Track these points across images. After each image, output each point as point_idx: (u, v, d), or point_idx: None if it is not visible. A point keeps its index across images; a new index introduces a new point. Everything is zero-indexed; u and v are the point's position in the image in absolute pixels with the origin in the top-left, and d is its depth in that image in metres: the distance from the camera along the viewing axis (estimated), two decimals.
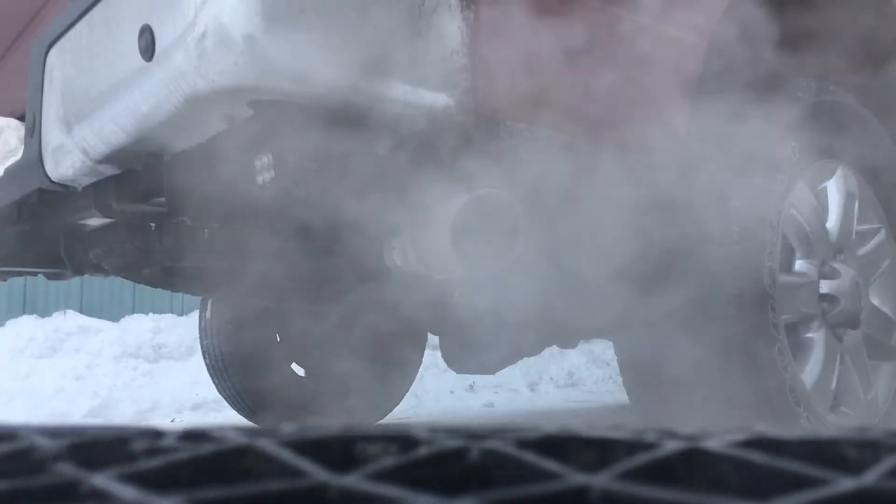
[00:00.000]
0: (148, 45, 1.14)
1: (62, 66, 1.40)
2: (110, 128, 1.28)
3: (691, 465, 0.30)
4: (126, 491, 0.26)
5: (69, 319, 5.22)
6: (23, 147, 1.58)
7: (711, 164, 1.63)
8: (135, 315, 5.60)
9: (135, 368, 4.87)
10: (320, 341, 3.03)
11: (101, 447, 0.31)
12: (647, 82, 1.48)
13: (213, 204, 1.52)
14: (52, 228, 1.89)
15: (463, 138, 1.22)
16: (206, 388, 3.62)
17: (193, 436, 0.33)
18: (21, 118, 1.68)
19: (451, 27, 1.18)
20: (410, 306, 1.91)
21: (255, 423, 3.00)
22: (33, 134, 1.46)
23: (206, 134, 1.25)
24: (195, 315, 3.62)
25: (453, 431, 0.33)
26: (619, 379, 1.80)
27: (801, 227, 1.80)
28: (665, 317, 1.62)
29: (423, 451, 0.31)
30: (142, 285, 2.19)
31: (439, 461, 0.30)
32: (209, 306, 3.00)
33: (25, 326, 5.05)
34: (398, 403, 3.34)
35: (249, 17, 1.01)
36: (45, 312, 5.37)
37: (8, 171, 1.63)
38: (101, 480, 0.27)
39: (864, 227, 2.02)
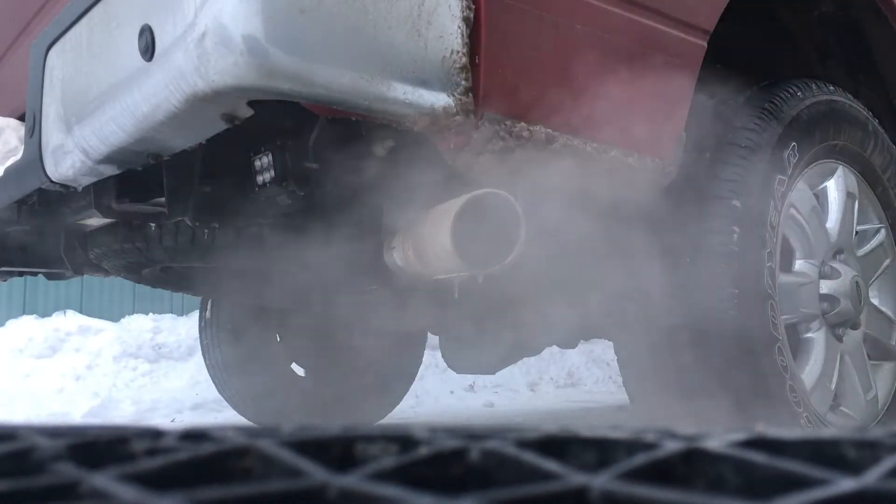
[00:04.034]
0: (148, 45, 1.14)
1: (62, 66, 1.40)
2: (110, 128, 1.28)
3: (691, 465, 0.30)
4: (126, 491, 0.26)
5: (69, 319, 5.22)
6: (23, 147, 1.58)
7: (710, 163, 1.63)
8: (135, 315, 5.59)
9: (135, 368, 4.86)
10: (320, 341, 3.03)
11: (101, 447, 0.31)
12: (647, 81, 1.48)
13: (213, 204, 1.52)
14: (52, 228, 1.89)
15: (463, 138, 1.22)
16: (206, 388, 3.61)
17: (193, 436, 0.33)
18: (21, 118, 1.68)
19: (451, 27, 1.18)
20: (410, 306, 1.91)
21: (254, 423, 3.00)
22: (33, 134, 1.46)
23: (206, 134, 1.25)
24: (195, 315, 3.62)
25: (453, 431, 0.33)
26: (619, 379, 1.80)
27: (801, 227, 1.80)
28: (664, 316, 1.62)
29: (423, 451, 0.31)
30: (142, 285, 2.19)
31: (439, 461, 0.30)
32: (209, 306, 3.00)
33: (25, 326, 5.05)
34: (398, 403, 3.34)
35: (249, 18, 1.01)
36: (45, 312, 5.36)
37: (8, 171, 1.63)
38: (101, 480, 0.27)
39: (864, 227, 2.02)
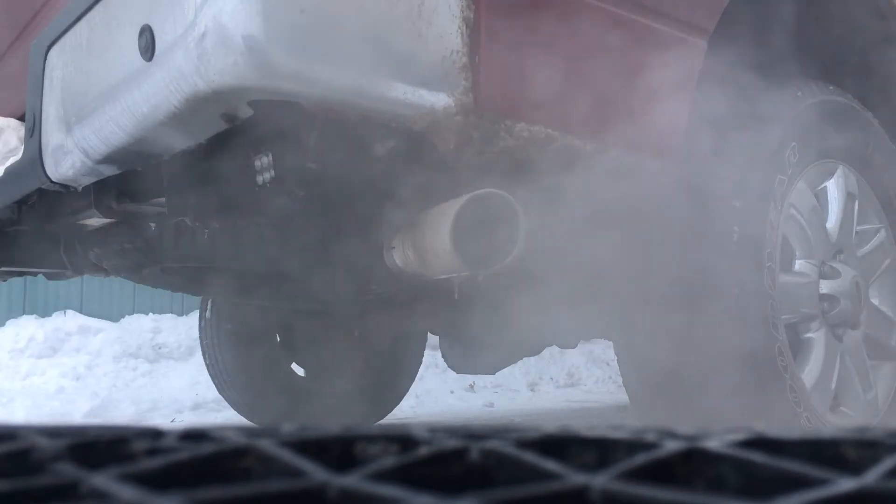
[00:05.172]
0: (148, 45, 1.14)
1: (62, 66, 1.40)
2: (110, 128, 1.28)
3: (691, 465, 0.30)
4: (126, 491, 0.26)
5: (69, 319, 5.22)
6: (23, 147, 1.58)
7: (710, 165, 1.63)
8: (135, 315, 5.59)
9: (135, 368, 4.87)
10: (320, 341, 3.03)
11: (101, 447, 0.31)
12: (647, 81, 1.48)
13: (213, 204, 1.52)
14: (52, 228, 1.89)
15: (463, 138, 1.22)
16: (206, 388, 3.62)
17: (193, 436, 0.33)
18: (21, 118, 1.68)
19: (451, 27, 1.18)
20: (410, 306, 1.91)
21: (254, 422, 3.00)
22: (33, 134, 1.46)
23: (206, 134, 1.25)
24: (195, 315, 3.62)
25: (453, 431, 0.33)
26: (619, 379, 1.80)
27: (801, 227, 1.80)
28: (664, 317, 1.62)
29: (423, 451, 0.31)
30: (142, 285, 2.19)
31: (439, 461, 0.30)
32: (209, 306, 3.00)
33: (25, 326, 5.05)
34: (398, 403, 3.34)
35: (250, 18, 1.01)
36: (45, 312, 5.36)
37: (8, 171, 1.63)
38: (101, 480, 0.27)
39: (864, 227, 2.02)
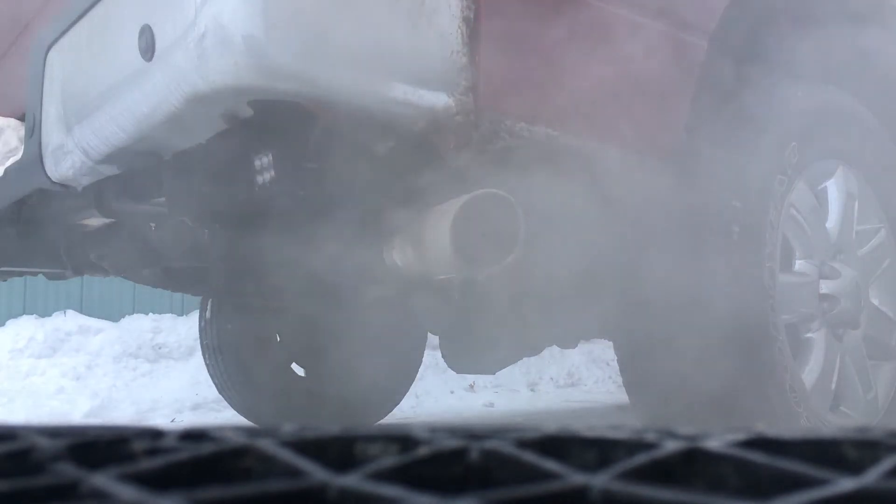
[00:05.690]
0: (148, 45, 1.14)
1: (62, 66, 1.40)
2: (110, 128, 1.28)
3: (691, 465, 0.30)
4: (126, 491, 0.26)
5: (69, 319, 5.22)
6: (23, 147, 1.58)
7: (710, 164, 1.63)
8: (135, 315, 5.59)
9: (135, 368, 4.86)
10: (320, 341, 3.03)
11: (101, 447, 0.31)
12: (647, 81, 1.48)
13: (213, 204, 1.52)
14: (52, 228, 1.89)
15: (463, 138, 1.22)
16: (206, 388, 3.62)
17: (193, 436, 0.33)
18: (21, 118, 1.68)
19: (451, 27, 1.18)
20: (410, 306, 1.91)
21: (254, 423, 3.00)
22: (33, 134, 1.46)
23: (206, 134, 1.25)
24: (195, 315, 3.62)
25: (453, 431, 0.33)
26: (619, 379, 1.80)
27: (801, 227, 1.80)
28: (664, 317, 1.62)
29: (423, 451, 0.31)
30: (142, 285, 2.19)
31: (439, 461, 0.30)
32: (209, 306, 2.99)
33: (25, 326, 5.04)
34: (398, 403, 3.34)
35: (249, 18, 1.02)
36: (45, 312, 5.36)
37: (8, 171, 1.63)
38: (101, 480, 0.27)
39: (864, 227, 2.01)
